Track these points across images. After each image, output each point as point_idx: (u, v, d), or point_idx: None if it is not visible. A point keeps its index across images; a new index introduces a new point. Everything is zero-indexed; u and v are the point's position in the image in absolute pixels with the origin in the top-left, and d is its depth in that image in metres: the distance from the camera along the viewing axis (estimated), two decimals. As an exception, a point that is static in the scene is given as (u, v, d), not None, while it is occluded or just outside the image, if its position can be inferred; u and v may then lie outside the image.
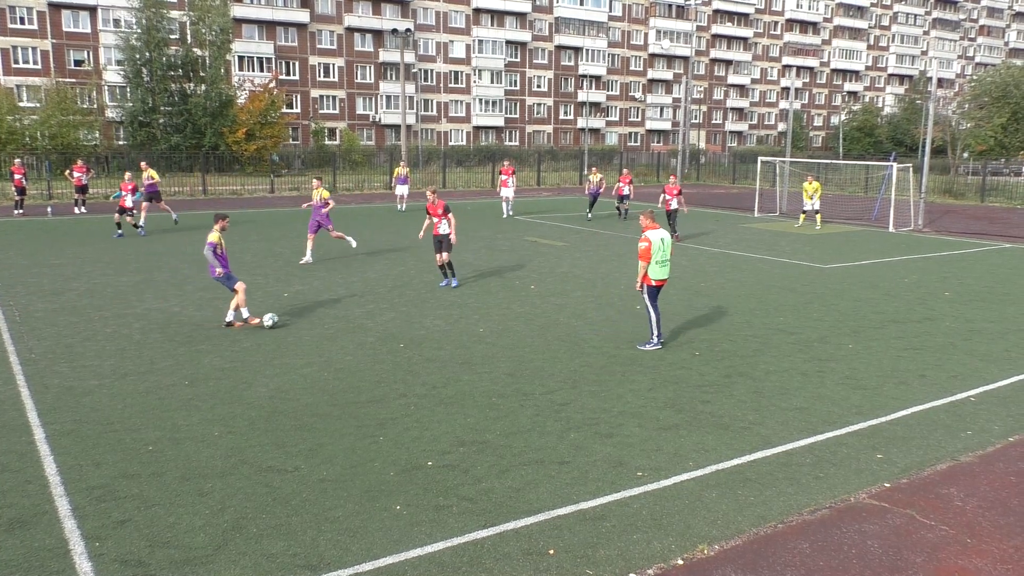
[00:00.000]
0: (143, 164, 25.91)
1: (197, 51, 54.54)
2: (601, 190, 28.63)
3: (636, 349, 10.95)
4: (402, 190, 31.54)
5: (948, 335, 12.08)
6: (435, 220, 14.95)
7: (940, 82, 72.94)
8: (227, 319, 12.04)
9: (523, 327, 12.22)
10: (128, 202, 22.31)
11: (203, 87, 54.07)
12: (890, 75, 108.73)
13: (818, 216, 26.86)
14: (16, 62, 57.11)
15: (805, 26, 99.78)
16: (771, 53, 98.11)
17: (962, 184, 45.22)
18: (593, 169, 29.78)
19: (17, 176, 29.48)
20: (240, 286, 11.94)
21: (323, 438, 7.67)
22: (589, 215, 28.31)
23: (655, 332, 10.94)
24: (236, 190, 40.05)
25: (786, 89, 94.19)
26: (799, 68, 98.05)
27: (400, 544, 5.74)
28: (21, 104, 50.27)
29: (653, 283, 10.83)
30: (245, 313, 11.99)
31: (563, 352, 10.81)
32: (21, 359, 10.20)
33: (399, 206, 31.41)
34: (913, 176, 29.78)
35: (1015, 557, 5.72)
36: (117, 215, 22.40)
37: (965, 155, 63.15)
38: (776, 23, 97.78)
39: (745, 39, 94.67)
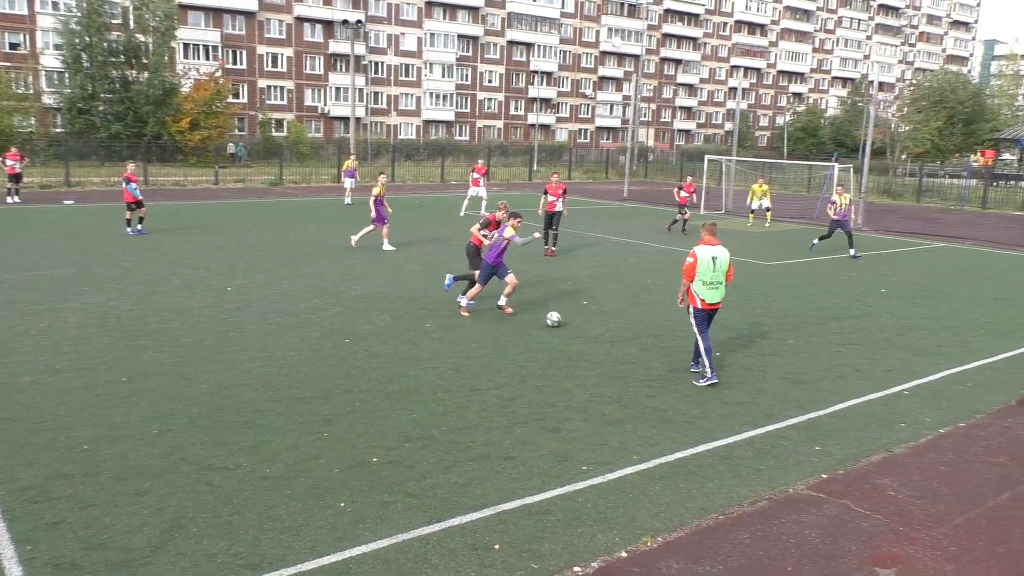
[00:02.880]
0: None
1: (140, 37, 53.09)
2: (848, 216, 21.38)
3: (583, 353, 11.00)
4: (349, 183, 31.27)
5: (884, 331, 12.44)
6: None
7: (881, 86, 75.13)
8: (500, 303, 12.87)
9: (470, 322, 12.20)
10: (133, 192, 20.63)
11: (146, 74, 52.71)
12: (834, 78, 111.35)
13: (768, 213, 27.59)
14: (-54, 45, 54.88)
15: (753, 28, 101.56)
16: (720, 53, 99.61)
17: (900, 185, 46.62)
18: (839, 189, 21.79)
19: (-53, 164, 28.39)
20: (511, 278, 12.74)
21: (266, 435, 7.55)
22: (815, 243, 21.70)
23: (707, 364, 9.35)
24: (179, 181, 39.13)
25: (733, 89, 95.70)
26: (746, 69, 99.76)
27: (344, 541, 5.69)
28: (-49, 89, 48.33)
29: (699, 305, 9.31)
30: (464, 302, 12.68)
31: (510, 347, 10.83)
32: (-51, 354, 9.82)
33: (346, 199, 31.10)
34: (854, 176, 30.59)
35: (944, 544, 5.92)
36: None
37: (903, 157, 65.01)
38: (725, 24, 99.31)
39: (695, 39, 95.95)
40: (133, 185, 20.71)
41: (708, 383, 9.33)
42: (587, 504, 6.35)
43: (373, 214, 19.01)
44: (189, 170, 43.96)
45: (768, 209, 27.64)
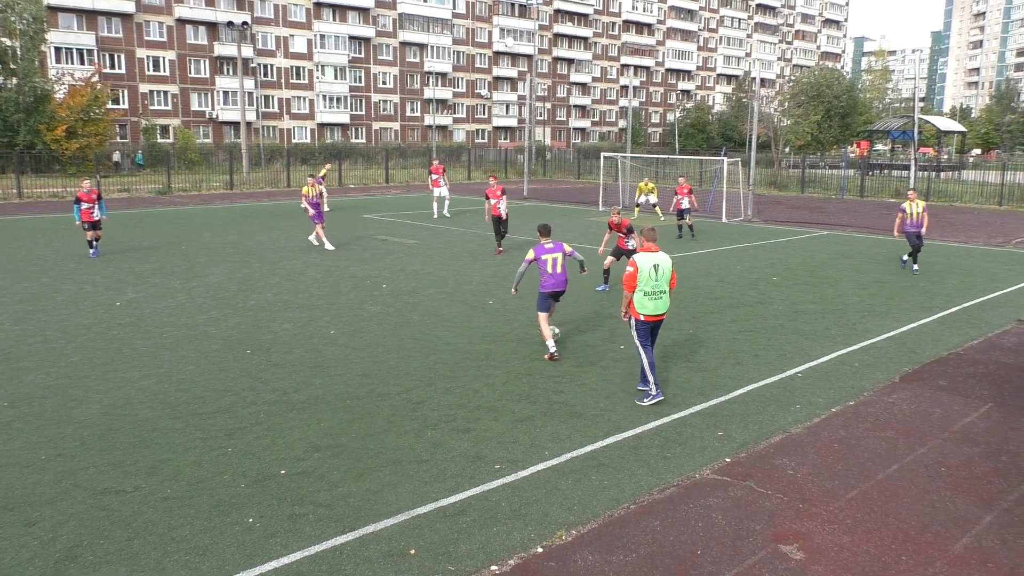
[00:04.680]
0: None
1: (6, 41, 49.91)
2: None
3: (489, 352, 11.01)
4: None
5: (777, 317, 13.00)
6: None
7: (762, 82, 78.52)
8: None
9: (376, 327, 12.05)
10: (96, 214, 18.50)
11: (14, 80, 49.62)
12: (719, 75, 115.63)
13: (657, 208, 28.37)
14: None
15: (641, 27, 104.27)
16: (610, 52, 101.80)
17: (785, 177, 48.85)
18: (911, 193, 17.78)
19: None
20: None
21: (166, 454, 7.24)
22: (905, 259, 18.09)
23: (651, 380, 8.66)
24: (57, 192, 37.05)
25: (625, 87, 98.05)
26: (636, 67, 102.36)
27: (254, 558, 5.51)
28: None
29: (641, 318, 8.61)
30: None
31: (417, 350, 10.75)
32: None
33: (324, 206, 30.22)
34: (742, 170, 31.86)
35: (840, 517, 6.23)
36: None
37: (786, 150, 68.10)
38: (614, 24, 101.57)
39: (585, 39, 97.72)
40: (85, 205, 18.31)
41: (653, 401, 8.64)
42: (501, 502, 6.37)
43: (312, 212, 20.10)
44: (68, 180, 41.63)
45: (655, 204, 28.47)
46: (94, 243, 18.70)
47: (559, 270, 10.40)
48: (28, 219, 27.42)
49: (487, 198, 20.03)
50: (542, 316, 10.45)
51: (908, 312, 13.43)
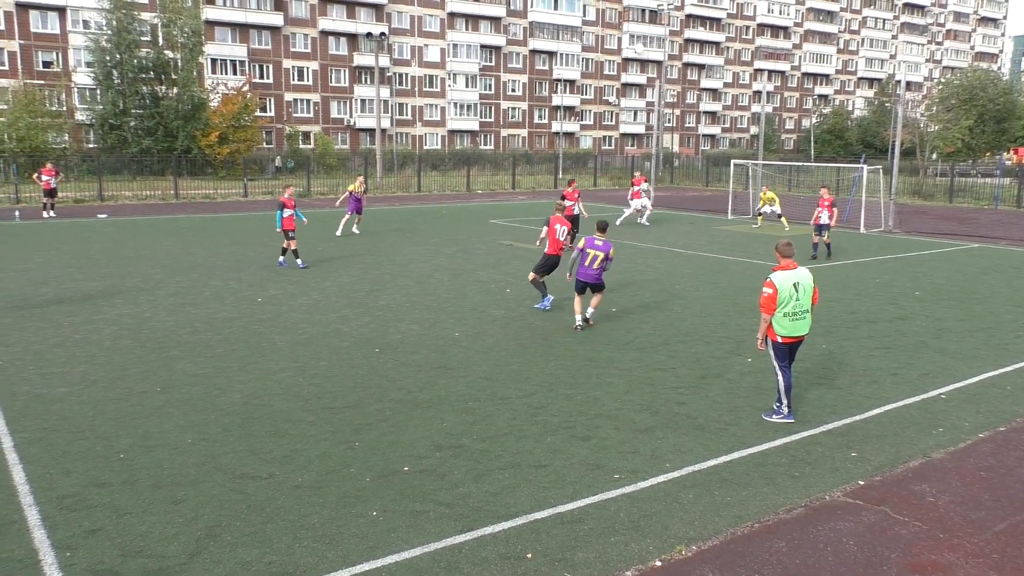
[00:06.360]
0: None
1: (168, 53, 54.03)
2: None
3: (612, 360, 10.93)
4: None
5: (919, 334, 12.24)
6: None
7: (908, 85, 74.23)
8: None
9: (499, 330, 12.20)
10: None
11: (175, 90, 53.63)
12: (859, 78, 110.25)
13: (784, 219, 27.26)
14: (-18, 65, 56.19)
15: (776, 30, 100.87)
16: (743, 57, 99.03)
17: (931, 185, 45.96)
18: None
19: (-16, 181, 28.97)
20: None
21: (298, 444, 7.60)
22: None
23: (783, 400, 8.32)
24: (209, 194, 39.71)
25: (758, 93, 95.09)
26: (770, 72, 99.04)
27: (376, 550, 5.69)
28: (-13, 107, 49.49)
29: (779, 339, 8.15)
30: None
31: (539, 355, 10.81)
32: (-12, 367, 10.00)
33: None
34: (883, 178, 30.24)
35: (986, 551, 5.79)
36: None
37: (933, 157, 64.02)
38: (748, 27, 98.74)
39: (717, 43, 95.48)
40: (288, 212, 17.53)
41: (781, 419, 8.29)
42: (620, 512, 6.31)
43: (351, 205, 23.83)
44: (219, 183, 44.55)
45: (780, 215, 27.28)
46: (296, 253, 17.83)
47: (595, 266, 11.77)
48: (183, 218, 29.49)
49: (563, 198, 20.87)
50: (578, 299, 12.10)
51: (1071, 334, 12.33)
